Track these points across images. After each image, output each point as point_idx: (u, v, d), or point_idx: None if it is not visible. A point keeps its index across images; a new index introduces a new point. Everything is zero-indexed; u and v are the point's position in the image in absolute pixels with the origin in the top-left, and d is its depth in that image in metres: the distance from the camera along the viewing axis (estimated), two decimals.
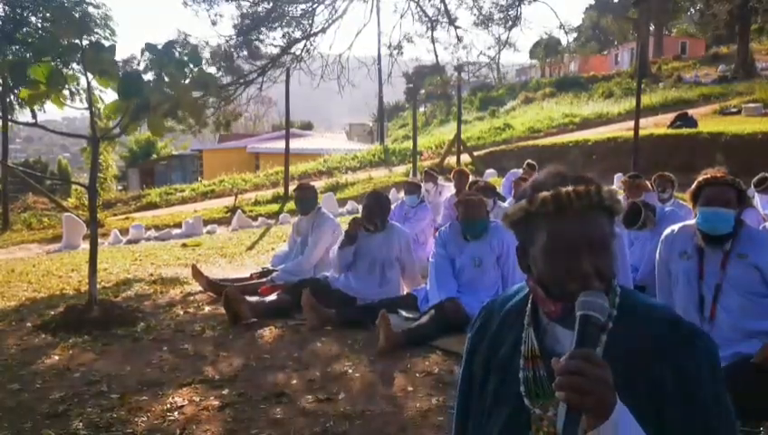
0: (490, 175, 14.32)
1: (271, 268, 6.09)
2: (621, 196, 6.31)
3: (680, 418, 1.12)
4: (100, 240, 7.52)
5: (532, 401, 1.21)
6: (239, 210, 13.10)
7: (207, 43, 13.27)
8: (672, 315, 1.22)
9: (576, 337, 1.08)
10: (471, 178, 7.91)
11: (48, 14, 19.58)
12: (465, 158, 17.51)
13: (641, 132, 13.86)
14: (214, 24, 13.19)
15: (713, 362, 1.17)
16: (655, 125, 18.54)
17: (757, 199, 7.05)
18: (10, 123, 15.71)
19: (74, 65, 10.77)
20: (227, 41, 13.15)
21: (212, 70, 13.19)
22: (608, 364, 1.03)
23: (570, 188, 1.16)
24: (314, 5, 12.81)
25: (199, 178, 28.35)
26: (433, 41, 13.53)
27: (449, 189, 9.22)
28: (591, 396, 1.00)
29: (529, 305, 1.29)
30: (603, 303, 1.11)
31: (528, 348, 1.24)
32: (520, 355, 1.25)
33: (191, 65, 5.08)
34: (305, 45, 13.31)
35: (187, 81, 5.04)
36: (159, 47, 5.02)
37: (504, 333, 1.31)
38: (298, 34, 13.20)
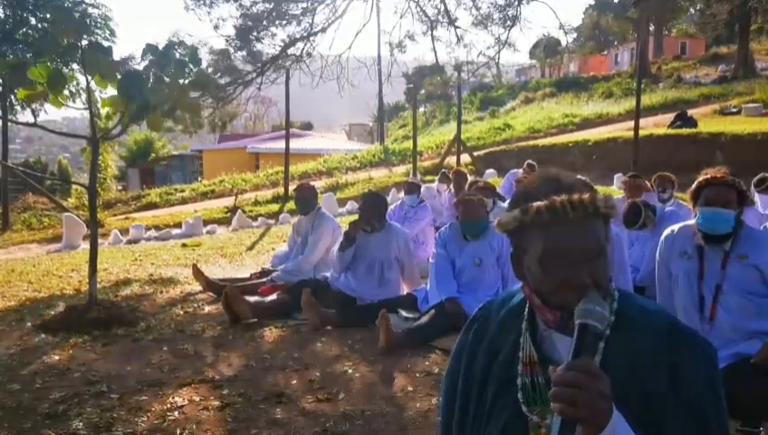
0: (490, 175, 14.31)
1: (271, 268, 6.10)
2: (621, 196, 6.31)
3: (677, 422, 1.11)
4: (100, 240, 7.52)
5: (530, 407, 1.20)
6: (239, 210, 13.09)
7: (207, 44, 13.26)
8: (670, 320, 1.21)
9: (574, 347, 1.06)
10: (470, 178, 7.92)
11: (48, 15, 19.57)
12: (466, 158, 17.50)
13: (641, 132, 13.85)
14: (216, 27, 13.14)
15: (710, 366, 1.16)
16: (655, 125, 18.53)
17: (757, 199, 7.05)
18: (10, 123, 15.71)
19: (74, 66, 10.78)
20: (227, 41, 13.15)
21: (211, 70, 13.18)
22: (605, 376, 1.02)
23: (564, 198, 1.13)
24: (314, 5, 12.80)
25: (199, 179, 28.34)
26: (433, 41, 13.52)
27: None
28: (587, 408, 0.99)
29: (526, 310, 1.27)
30: (603, 311, 1.09)
31: (526, 354, 1.23)
32: (518, 361, 1.24)
33: (191, 66, 5.08)
34: (305, 45, 13.31)
35: (186, 81, 5.05)
36: (160, 48, 5.03)
37: (503, 337, 1.30)
38: (298, 35, 13.19)
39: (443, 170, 9.77)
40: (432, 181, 12.23)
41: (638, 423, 1.06)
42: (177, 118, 5.29)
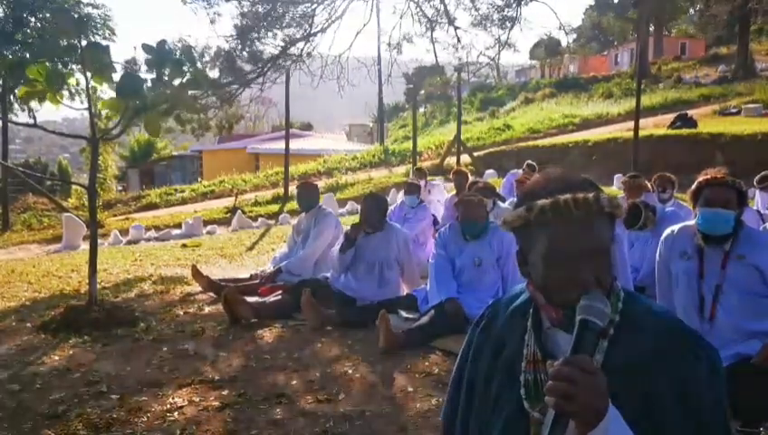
0: (490, 175, 14.31)
1: (275, 269, 6.04)
2: (621, 196, 6.30)
3: (677, 423, 1.12)
4: (100, 241, 7.52)
5: (532, 404, 1.20)
6: (239, 211, 13.09)
7: (207, 46, 13.24)
8: (674, 322, 1.21)
9: (573, 342, 1.07)
10: (471, 178, 7.92)
11: (47, 15, 19.57)
12: (466, 158, 17.50)
13: (641, 133, 13.86)
14: (212, 22, 13.09)
15: (713, 369, 1.16)
16: (655, 126, 18.53)
17: (757, 197, 7.06)
18: (10, 123, 15.71)
19: (74, 66, 10.78)
20: (227, 41, 13.13)
21: (213, 72, 13.16)
22: (601, 372, 1.03)
23: (568, 196, 1.14)
24: (314, 6, 12.78)
25: (199, 179, 28.32)
26: (432, 41, 13.49)
27: (439, 187, 9.34)
28: (579, 403, 1.00)
29: (532, 308, 1.28)
30: (604, 308, 1.10)
31: (530, 351, 1.24)
32: (523, 357, 1.25)
33: (187, 64, 5.08)
34: (305, 46, 13.28)
35: (184, 80, 5.04)
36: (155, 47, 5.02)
37: (509, 335, 1.31)
38: (297, 35, 13.17)
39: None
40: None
41: (639, 424, 1.06)
42: (182, 120, 5.28)
